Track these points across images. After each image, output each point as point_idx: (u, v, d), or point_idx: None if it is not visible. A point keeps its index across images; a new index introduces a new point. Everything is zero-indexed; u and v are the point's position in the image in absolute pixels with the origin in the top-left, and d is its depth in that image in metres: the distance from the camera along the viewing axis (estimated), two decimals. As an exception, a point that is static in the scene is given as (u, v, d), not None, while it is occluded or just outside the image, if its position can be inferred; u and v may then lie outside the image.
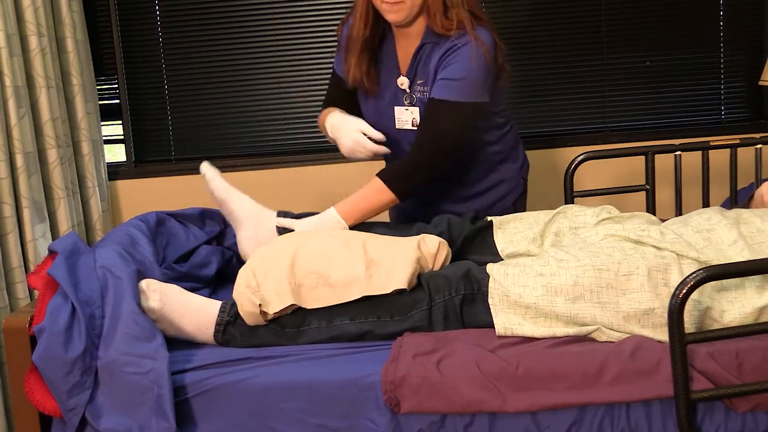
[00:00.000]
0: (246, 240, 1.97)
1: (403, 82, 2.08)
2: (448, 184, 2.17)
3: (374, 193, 1.98)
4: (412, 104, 2.08)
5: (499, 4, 3.17)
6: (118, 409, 1.53)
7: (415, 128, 2.08)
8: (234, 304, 1.70)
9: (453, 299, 1.67)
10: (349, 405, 1.52)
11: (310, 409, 1.52)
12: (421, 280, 1.70)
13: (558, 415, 1.50)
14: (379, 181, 1.98)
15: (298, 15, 3.17)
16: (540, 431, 1.50)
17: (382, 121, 2.12)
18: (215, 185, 1.99)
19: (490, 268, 1.68)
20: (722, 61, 3.22)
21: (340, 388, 1.52)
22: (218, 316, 1.70)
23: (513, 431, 1.50)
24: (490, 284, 1.65)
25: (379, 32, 2.08)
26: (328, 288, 1.67)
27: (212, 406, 1.54)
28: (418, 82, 2.06)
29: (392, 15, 1.96)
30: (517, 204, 2.28)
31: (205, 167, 2.00)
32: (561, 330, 1.60)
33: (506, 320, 1.63)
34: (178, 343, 1.69)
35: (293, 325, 1.68)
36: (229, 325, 1.69)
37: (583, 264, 1.62)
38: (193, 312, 1.69)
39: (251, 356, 1.61)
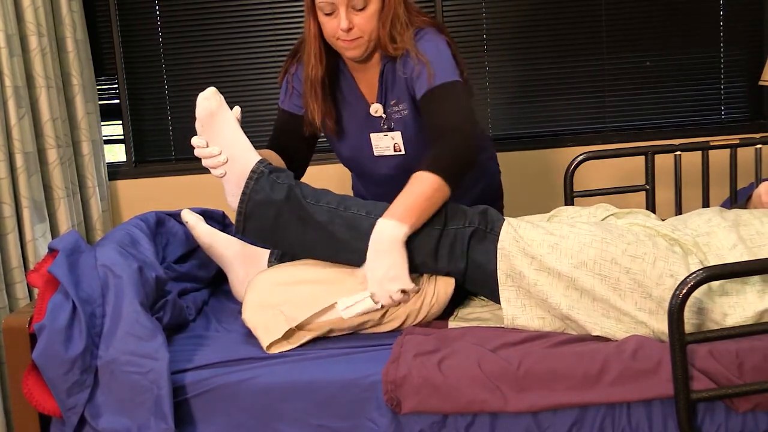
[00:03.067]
0: (238, 283, 1.93)
1: (377, 109, 2.02)
2: None
3: (421, 184, 1.69)
4: (390, 129, 2.04)
5: (499, 4, 3.17)
6: (117, 408, 1.53)
7: (397, 152, 2.05)
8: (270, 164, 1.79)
9: (465, 230, 1.70)
10: (349, 405, 1.52)
11: (310, 409, 1.52)
12: (441, 209, 1.73)
13: (559, 415, 1.50)
14: (427, 174, 1.70)
15: (298, 15, 3.17)
16: (541, 431, 1.50)
17: (361, 154, 2.10)
18: (199, 231, 1.96)
19: (507, 218, 1.73)
20: (722, 61, 3.22)
21: (340, 389, 1.52)
22: (255, 164, 1.76)
23: (514, 431, 1.50)
24: (504, 227, 1.69)
25: (330, 69, 2.01)
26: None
27: (213, 406, 1.54)
28: (392, 102, 2.02)
29: (351, 52, 1.91)
30: (499, 189, 2.35)
31: (187, 214, 1.98)
32: (559, 292, 1.61)
33: (510, 266, 1.66)
34: (179, 342, 1.69)
35: (316, 198, 1.74)
36: (263, 175, 1.75)
37: (592, 234, 1.64)
38: (232, 139, 1.78)
39: (252, 356, 1.61)
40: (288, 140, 2.06)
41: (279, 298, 1.69)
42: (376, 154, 2.08)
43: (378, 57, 1.99)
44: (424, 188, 1.68)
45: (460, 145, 1.78)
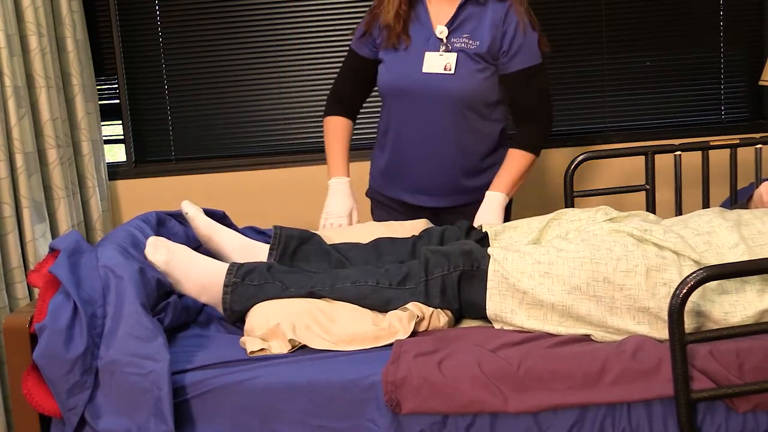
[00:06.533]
0: None
1: (442, 30, 2.21)
2: (464, 155, 2.28)
3: (520, 162, 2.23)
4: (448, 51, 2.21)
5: (499, 4, 3.17)
6: (118, 409, 1.53)
7: (447, 71, 2.19)
8: (242, 265, 1.77)
9: (451, 275, 1.70)
10: (349, 406, 1.52)
11: (310, 409, 1.52)
12: (422, 256, 1.74)
13: (559, 415, 1.50)
14: (520, 152, 2.24)
15: (297, 15, 3.17)
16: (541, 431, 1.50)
17: (405, 67, 2.23)
18: (198, 222, 1.96)
19: (492, 250, 1.71)
20: (722, 61, 3.22)
21: (340, 389, 1.52)
22: (226, 278, 1.75)
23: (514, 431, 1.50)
24: (491, 266, 1.68)
25: None
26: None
27: (213, 407, 1.54)
28: (464, 35, 2.20)
29: None
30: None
31: (187, 205, 1.98)
32: (554, 322, 1.62)
33: (499, 306, 1.65)
34: (179, 342, 1.69)
35: (299, 285, 1.74)
36: (237, 286, 1.74)
37: (581, 256, 1.63)
38: (199, 272, 1.77)
39: (252, 357, 1.61)
40: (351, 78, 2.37)
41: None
42: (424, 70, 2.21)
43: None
44: (520, 165, 2.24)
45: (547, 126, 2.28)
